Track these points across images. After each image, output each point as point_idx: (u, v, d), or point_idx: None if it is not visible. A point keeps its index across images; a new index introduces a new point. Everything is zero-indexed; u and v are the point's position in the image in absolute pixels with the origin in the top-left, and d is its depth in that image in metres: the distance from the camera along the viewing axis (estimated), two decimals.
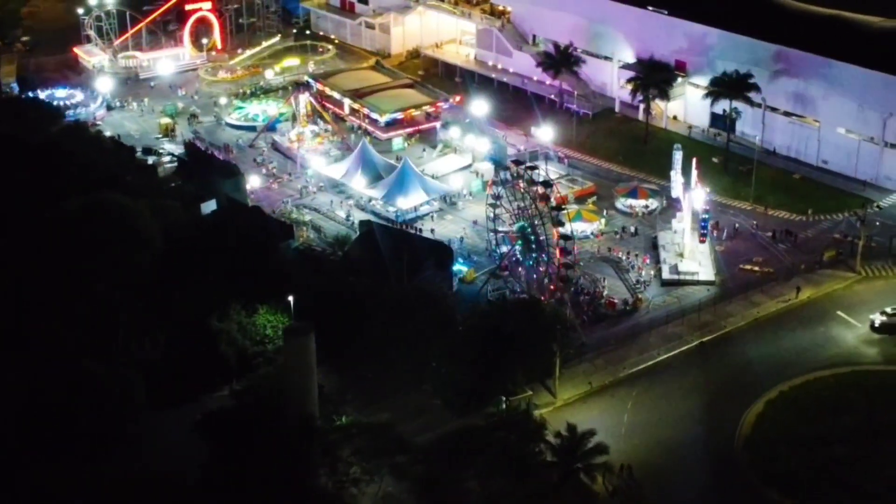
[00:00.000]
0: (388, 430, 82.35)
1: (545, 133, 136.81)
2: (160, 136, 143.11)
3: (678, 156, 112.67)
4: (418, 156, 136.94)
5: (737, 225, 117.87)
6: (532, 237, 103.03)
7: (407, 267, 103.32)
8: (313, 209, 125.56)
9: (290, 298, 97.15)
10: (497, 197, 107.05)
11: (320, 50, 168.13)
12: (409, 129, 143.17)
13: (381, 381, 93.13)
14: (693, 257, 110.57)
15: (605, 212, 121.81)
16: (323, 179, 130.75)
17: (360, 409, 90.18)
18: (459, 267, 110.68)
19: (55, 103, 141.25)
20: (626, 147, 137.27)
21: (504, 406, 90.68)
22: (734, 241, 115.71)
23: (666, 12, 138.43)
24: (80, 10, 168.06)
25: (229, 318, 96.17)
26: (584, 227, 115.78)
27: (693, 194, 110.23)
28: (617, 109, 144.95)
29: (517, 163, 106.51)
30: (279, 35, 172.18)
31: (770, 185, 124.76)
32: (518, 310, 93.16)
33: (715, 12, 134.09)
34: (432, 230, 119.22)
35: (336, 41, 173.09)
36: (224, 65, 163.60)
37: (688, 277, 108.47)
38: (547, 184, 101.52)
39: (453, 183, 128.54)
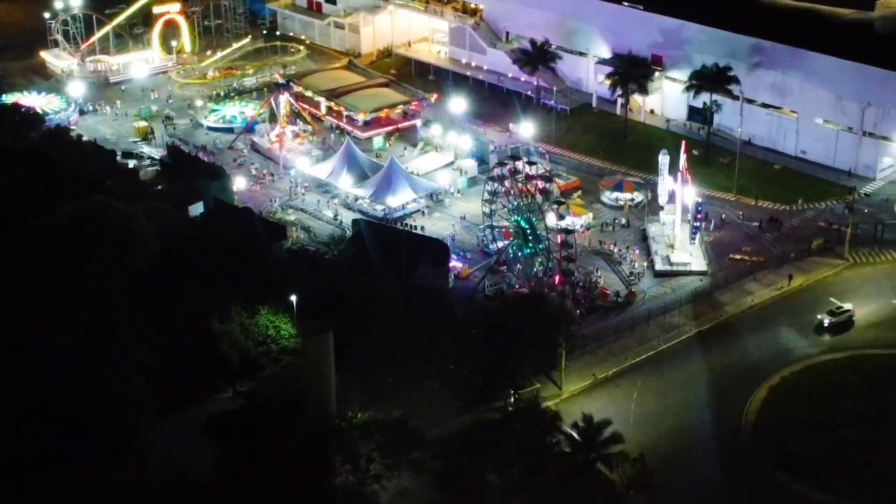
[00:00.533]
0: (404, 426, 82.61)
1: (525, 129, 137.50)
2: (137, 139, 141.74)
3: (664, 160, 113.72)
4: (399, 154, 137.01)
5: (723, 216, 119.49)
6: (530, 231, 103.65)
7: (403, 264, 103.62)
8: (300, 209, 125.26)
9: (293, 298, 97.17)
10: (494, 192, 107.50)
11: (292, 50, 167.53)
12: (388, 128, 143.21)
13: (385, 378, 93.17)
14: (684, 248, 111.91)
15: (591, 205, 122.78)
16: (307, 179, 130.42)
17: (365, 407, 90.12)
18: (454, 263, 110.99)
19: (29, 109, 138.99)
20: (606, 142, 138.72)
21: (513, 399, 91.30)
22: (721, 231, 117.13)
23: (641, 7, 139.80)
24: (47, 14, 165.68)
25: (231, 320, 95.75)
26: (573, 220, 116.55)
27: (683, 186, 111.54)
28: (594, 104, 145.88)
29: (515, 157, 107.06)
30: (249, 37, 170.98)
31: (751, 175, 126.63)
32: (523, 303, 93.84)
33: (690, 7, 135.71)
34: (422, 227, 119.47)
35: (307, 42, 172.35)
36: (196, 67, 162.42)
37: (680, 268, 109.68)
38: (547, 178, 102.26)
39: (439, 180, 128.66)
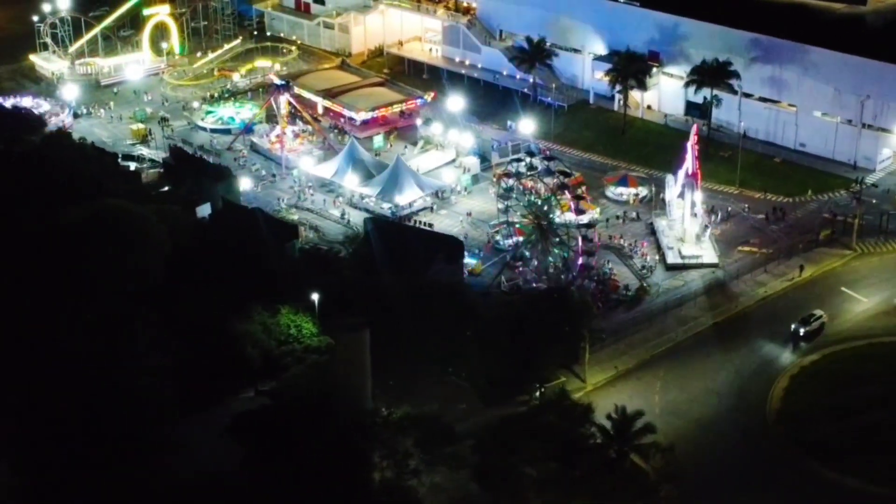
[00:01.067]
0: (438, 422, 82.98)
1: (525, 126, 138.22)
2: (135, 141, 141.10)
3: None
4: (400, 153, 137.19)
5: (729, 208, 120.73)
6: (547, 227, 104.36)
7: (418, 261, 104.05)
8: (306, 209, 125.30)
9: (315, 297, 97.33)
10: (509, 189, 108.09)
11: (284, 51, 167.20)
12: (386, 127, 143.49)
13: (408, 375, 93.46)
14: (693, 241, 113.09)
15: (596, 200, 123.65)
16: (311, 179, 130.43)
17: (388, 403, 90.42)
18: (468, 260, 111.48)
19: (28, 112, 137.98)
20: (604, 137, 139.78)
21: (539, 393, 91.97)
22: (728, 224, 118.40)
23: (638, 4, 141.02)
24: (35, 18, 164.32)
25: (252, 320, 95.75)
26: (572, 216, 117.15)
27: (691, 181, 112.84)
28: (591, 101, 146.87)
29: (530, 154, 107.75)
30: (240, 38, 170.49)
31: (752, 169, 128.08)
32: (545, 298, 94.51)
33: (685, 3, 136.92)
34: (429, 224, 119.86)
35: (298, 42, 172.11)
36: (189, 68, 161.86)
37: (692, 261, 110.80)
38: (566, 173, 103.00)
39: (444, 178, 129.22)
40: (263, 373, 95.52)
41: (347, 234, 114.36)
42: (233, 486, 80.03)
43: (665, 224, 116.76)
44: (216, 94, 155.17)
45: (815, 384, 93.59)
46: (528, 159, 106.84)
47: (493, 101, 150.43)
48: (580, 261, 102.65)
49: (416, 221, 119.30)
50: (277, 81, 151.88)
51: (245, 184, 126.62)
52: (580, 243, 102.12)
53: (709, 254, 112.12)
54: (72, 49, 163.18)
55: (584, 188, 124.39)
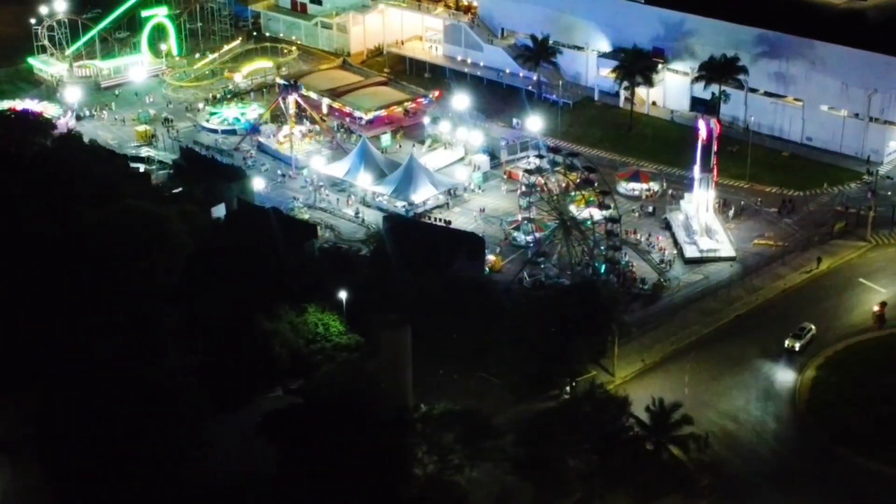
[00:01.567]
0: (477, 417, 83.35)
1: (533, 123, 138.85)
2: (140, 143, 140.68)
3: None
4: (408, 152, 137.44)
5: (742, 202, 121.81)
6: (571, 222, 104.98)
7: (441, 259, 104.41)
8: (320, 208, 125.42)
9: (343, 296, 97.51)
10: (531, 185, 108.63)
11: (285, 52, 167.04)
12: (392, 126, 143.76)
13: (436, 372, 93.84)
14: (709, 235, 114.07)
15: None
16: (322, 178, 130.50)
17: (418, 400, 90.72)
18: (488, 256, 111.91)
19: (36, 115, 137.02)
20: (611, 134, 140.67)
21: (571, 387, 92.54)
22: (742, 218, 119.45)
23: (642, 1, 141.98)
24: (32, 20, 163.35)
25: (279, 319, 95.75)
26: (596, 211, 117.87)
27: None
28: (596, 98, 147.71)
29: (555, 150, 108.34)
30: (240, 38, 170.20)
31: (760, 163, 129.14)
32: (575, 292, 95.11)
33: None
34: (446, 222, 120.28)
35: (298, 42, 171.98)
36: (191, 69, 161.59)
37: (710, 255, 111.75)
38: (591, 169, 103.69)
39: (457, 176, 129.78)
40: (291, 372, 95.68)
41: (368, 233, 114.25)
42: (270, 484, 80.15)
43: (680, 219, 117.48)
44: (218, 95, 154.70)
45: (841, 374, 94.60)
46: (551, 155, 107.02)
47: (497, 98, 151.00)
48: (605, 255, 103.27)
49: (436, 219, 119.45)
50: (281, 82, 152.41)
51: (258, 184, 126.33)
52: (605, 237, 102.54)
53: (726, 247, 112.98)
54: (69, 51, 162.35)
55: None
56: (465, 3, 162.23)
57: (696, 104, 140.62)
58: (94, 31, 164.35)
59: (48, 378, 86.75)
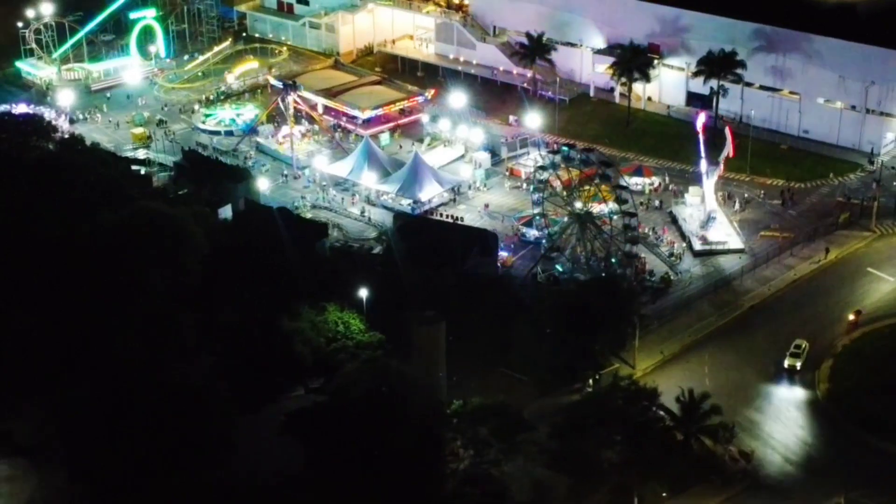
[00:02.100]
0: (510, 411, 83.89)
1: (532, 120, 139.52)
2: (137, 146, 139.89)
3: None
4: (408, 150, 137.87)
5: (746, 195, 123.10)
6: (586, 217, 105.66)
7: (455, 255, 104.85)
8: (325, 207, 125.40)
9: (363, 294, 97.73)
10: (543, 181, 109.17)
11: (276, 52, 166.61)
12: (390, 125, 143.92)
13: (458, 367, 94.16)
14: (716, 228, 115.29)
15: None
16: (325, 178, 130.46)
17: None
18: (500, 252, 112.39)
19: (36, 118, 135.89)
20: (609, 130, 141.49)
21: (594, 380, 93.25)
22: (746, 210, 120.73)
23: None
24: (20, 24, 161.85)
25: (300, 318, 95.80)
26: (601, 206, 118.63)
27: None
28: (592, 94, 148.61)
29: (570, 146, 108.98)
30: (229, 40, 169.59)
31: (760, 156, 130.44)
32: (597, 286, 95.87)
33: None
34: (454, 218, 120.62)
35: (288, 42, 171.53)
36: (184, 71, 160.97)
37: (718, 247, 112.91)
38: (607, 163, 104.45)
39: (462, 174, 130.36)
40: (313, 370, 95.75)
41: (380, 231, 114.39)
42: (299, 484, 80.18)
43: (686, 212, 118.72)
44: (210, 97, 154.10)
45: (858, 362, 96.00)
46: (565, 150, 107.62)
47: (492, 96, 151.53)
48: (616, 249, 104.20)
49: (448, 216, 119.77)
50: (275, 83, 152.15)
51: (262, 184, 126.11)
52: (623, 231, 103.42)
53: (734, 239, 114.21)
54: (56, 54, 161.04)
55: (596, 180, 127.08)
56: (457, 2, 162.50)
57: (692, 99, 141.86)
58: (80, 34, 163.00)
59: (70, 381, 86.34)
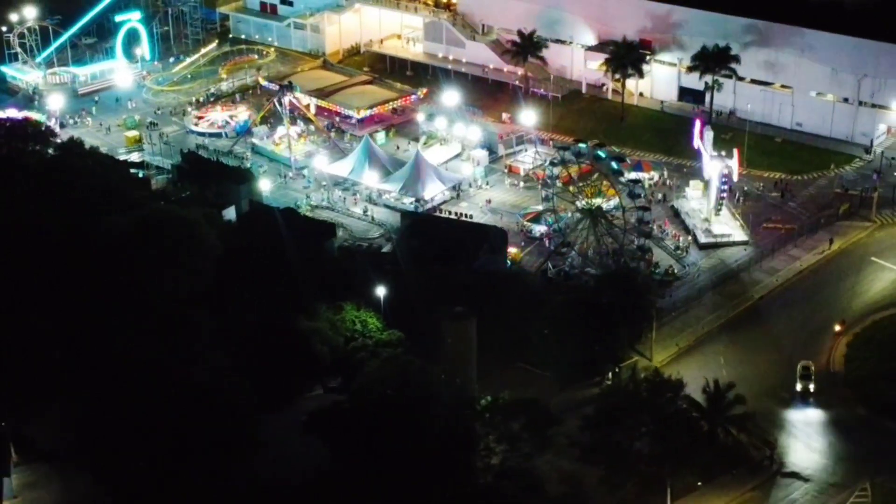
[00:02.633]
0: (540, 405, 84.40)
1: (527, 117, 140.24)
2: (131, 149, 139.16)
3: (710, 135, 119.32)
4: (405, 149, 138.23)
5: (745, 188, 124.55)
6: (598, 211, 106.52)
7: (465, 252, 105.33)
8: (326, 207, 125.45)
9: (381, 293, 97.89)
10: (553, 177, 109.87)
11: (265, 53, 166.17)
12: (383, 124, 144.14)
13: (478, 362, 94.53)
14: (718, 221, 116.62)
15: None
16: (325, 178, 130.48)
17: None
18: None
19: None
20: (604, 126, 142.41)
21: (613, 374, 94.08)
22: (747, 203, 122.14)
23: None
24: (3, 28, 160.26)
25: (318, 317, 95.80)
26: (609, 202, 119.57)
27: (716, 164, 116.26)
28: (584, 91, 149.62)
29: (578, 141, 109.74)
30: (216, 41, 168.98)
31: (754, 149, 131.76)
32: (614, 280, 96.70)
33: None
34: (458, 215, 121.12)
35: (275, 44, 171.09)
36: (172, 74, 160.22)
37: (723, 239, 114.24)
38: (620, 158, 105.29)
39: (463, 171, 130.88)
40: (332, 370, 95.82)
41: (391, 229, 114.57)
42: (327, 483, 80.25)
43: (689, 206, 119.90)
44: (200, 99, 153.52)
45: (870, 349, 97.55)
46: (583, 146, 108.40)
47: (484, 94, 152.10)
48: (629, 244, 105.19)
49: (458, 214, 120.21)
50: (266, 84, 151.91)
51: (265, 185, 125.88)
52: (637, 226, 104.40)
53: (738, 232, 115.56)
54: (39, 58, 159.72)
55: (595, 175, 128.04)
56: (445, 1, 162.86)
57: (684, 94, 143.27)
58: (63, 38, 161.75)
59: (89, 385, 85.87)
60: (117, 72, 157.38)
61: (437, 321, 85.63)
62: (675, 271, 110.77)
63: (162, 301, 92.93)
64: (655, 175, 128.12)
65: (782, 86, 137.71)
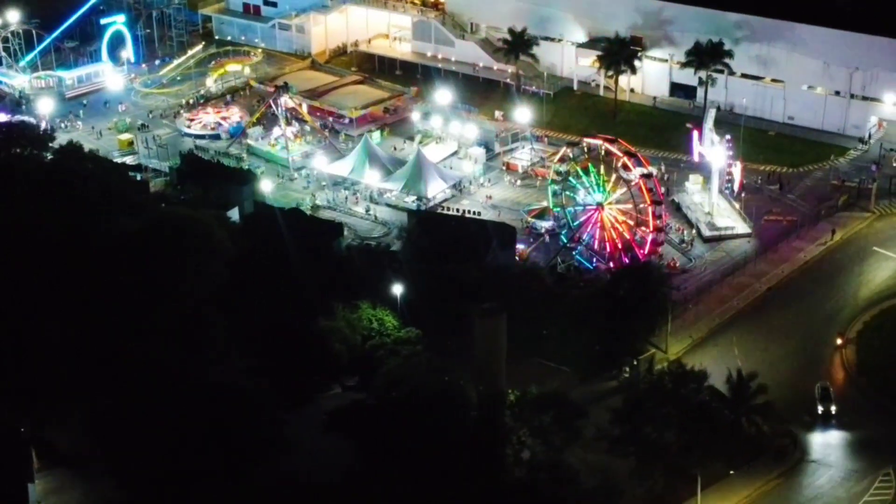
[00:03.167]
0: (568, 399, 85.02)
1: (521, 114, 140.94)
2: (125, 152, 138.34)
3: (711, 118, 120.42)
4: (400, 148, 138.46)
5: (744, 182, 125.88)
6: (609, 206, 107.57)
7: (475, 249, 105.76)
8: (328, 207, 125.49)
9: (398, 292, 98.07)
10: (564, 173, 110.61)
11: (252, 55, 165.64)
12: (376, 123, 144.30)
13: None
14: (721, 214, 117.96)
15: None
16: (324, 178, 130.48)
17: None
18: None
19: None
20: (597, 122, 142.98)
21: (632, 366, 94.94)
22: (746, 196, 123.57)
23: None
24: None
25: (335, 316, 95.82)
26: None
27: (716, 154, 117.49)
28: (575, 87, 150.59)
29: (587, 135, 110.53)
30: (202, 44, 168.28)
31: (749, 143, 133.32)
32: (630, 273, 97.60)
33: None
34: (462, 212, 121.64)
35: (259, 45, 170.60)
36: (161, 76, 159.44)
37: (726, 232, 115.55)
38: (630, 153, 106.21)
39: (464, 169, 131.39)
40: (350, 368, 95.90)
41: (390, 228, 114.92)
42: (355, 481, 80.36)
43: (689, 200, 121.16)
44: (190, 101, 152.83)
45: (881, 337, 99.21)
46: (585, 142, 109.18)
47: (475, 92, 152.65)
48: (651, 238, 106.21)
49: (466, 211, 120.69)
50: (257, 85, 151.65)
51: (266, 186, 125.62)
52: (651, 219, 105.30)
53: (740, 224, 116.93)
54: (23, 62, 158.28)
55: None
56: (433, 0, 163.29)
57: (676, 89, 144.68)
58: (47, 41, 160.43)
59: (108, 388, 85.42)
60: (106, 75, 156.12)
61: (469, 317, 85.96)
62: (679, 264, 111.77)
63: (178, 303, 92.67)
64: (654, 170, 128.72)
65: (773, 80, 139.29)
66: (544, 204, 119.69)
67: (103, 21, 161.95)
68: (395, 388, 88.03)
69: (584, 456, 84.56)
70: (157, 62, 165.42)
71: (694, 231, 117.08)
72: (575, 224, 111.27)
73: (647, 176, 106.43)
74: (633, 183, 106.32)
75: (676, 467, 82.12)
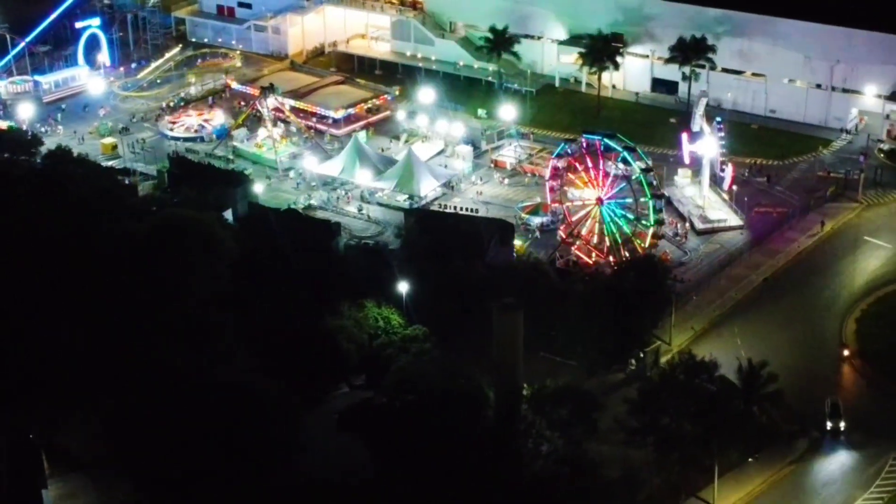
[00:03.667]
0: (585, 392, 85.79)
1: (504, 112, 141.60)
2: (109, 156, 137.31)
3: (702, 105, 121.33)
4: (387, 147, 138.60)
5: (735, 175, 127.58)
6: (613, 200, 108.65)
7: (475, 246, 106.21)
8: (319, 207, 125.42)
9: (403, 290, 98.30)
10: (563, 169, 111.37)
11: (230, 57, 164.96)
12: (360, 123, 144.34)
13: None
14: (712, 207, 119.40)
15: None
16: (314, 178, 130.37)
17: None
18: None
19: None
20: (580, 118, 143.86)
21: (638, 359, 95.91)
22: (735, 189, 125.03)
23: None
24: None
25: (342, 316, 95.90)
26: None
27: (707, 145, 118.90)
28: (557, 84, 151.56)
29: (587, 132, 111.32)
30: (179, 46, 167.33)
31: (732, 136, 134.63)
32: (634, 266, 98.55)
33: None
34: (459, 208, 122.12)
35: (235, 47, 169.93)
36: (140, 79, 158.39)
37: (719, 225, 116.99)
38: (631, 148, 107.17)
39: (456, 167, 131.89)
40: (358, 367, 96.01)
41: (400, 226, 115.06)
42: (373, 481, 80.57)
43: (681, 193, 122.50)
44: (170, 104, 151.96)
45: (880, 324, 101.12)
46: (583, 139, 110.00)
47: (457, 91, 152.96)
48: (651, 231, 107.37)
49: (464, 209, 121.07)
50: (237, 86, 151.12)
51: (258, 187, 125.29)
52: (652, 214, 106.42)
53: (732, 216, 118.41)
54: None
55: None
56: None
57: (658, 85, 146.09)
58: (20, 45, 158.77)
59: (119, 392, 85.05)
60: (86, 78, 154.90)
61: (475, 314, 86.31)
62: (671, 257, 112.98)
63: (185, 304, 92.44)
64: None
65: (754, 74, 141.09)
66: (537, 200, 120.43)
67: (78, 25, 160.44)
68: (408, 387, 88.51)
69: (599, 448, 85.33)
70: (133, 65, 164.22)
71: (687, 224, 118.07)
72: (574, 219, 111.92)
73: (648, 170, 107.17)
74: (632, 177, 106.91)
75: (694, 457, 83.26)
